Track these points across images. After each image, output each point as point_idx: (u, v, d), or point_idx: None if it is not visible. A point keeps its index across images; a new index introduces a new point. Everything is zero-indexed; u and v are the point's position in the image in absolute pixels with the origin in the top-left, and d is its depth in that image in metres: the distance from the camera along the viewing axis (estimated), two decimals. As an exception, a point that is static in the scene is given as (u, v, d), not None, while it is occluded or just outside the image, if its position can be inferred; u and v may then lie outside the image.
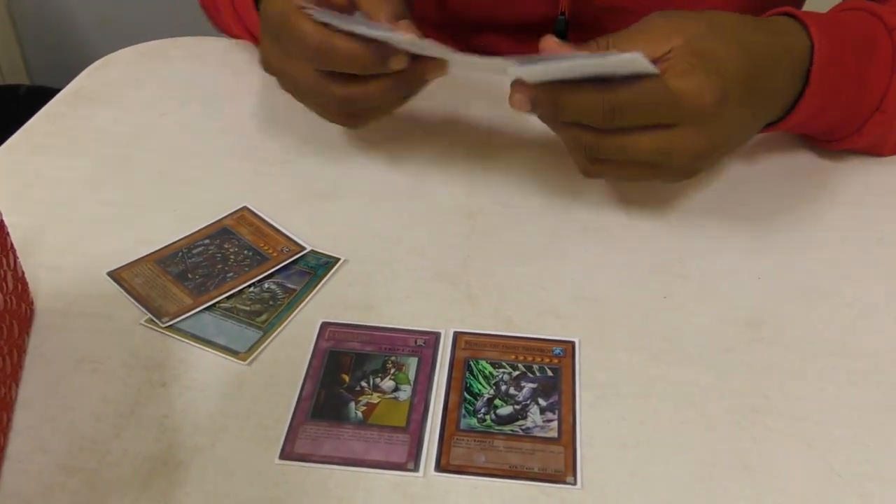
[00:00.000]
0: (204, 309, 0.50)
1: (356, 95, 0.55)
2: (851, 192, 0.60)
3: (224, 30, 0.78)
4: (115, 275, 0.52)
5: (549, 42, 0.50)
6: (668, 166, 0.52)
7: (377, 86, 0.54)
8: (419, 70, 0.54)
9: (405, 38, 0.51)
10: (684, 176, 0.54)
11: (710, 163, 0.54)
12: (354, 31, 0.52)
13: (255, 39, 0.74)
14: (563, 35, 0.74)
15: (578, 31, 0.73)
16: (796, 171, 0.62)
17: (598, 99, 0.48)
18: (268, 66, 0.59)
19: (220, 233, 0.56)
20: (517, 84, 0.51)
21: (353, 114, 0.58)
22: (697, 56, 0.49)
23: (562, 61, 0.48)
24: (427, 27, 0.81)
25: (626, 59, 0.46)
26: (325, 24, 0.53)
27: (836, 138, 0.61)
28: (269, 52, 0.58)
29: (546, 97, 0.50)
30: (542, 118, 0.53)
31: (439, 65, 0.55)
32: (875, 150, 0.62)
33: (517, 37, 0.76)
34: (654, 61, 0.48)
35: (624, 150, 0.50)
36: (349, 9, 0.55)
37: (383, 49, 0.52)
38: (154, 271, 0.53)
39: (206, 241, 0.55)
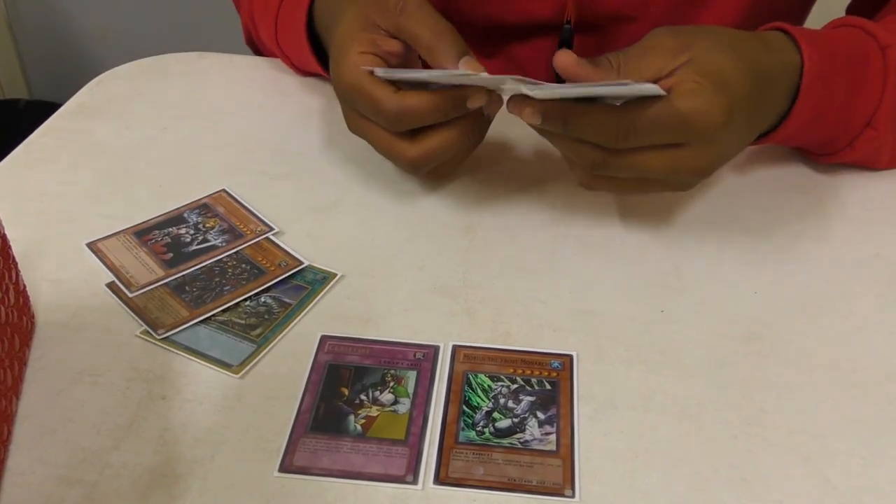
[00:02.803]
0: (200, 322, 0.50)
1: (422, 155, 0.55)
2: (848, 206, 0.60)
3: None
4: (112, 285, 0.53)
5: (565, 57, 0.50)
6: (671, 182, 0.53)
7: (439, 137, 0.54)
8: (476, 110, 0.54)
9: (480, 75, 0.51)
10: (683, 189, 0.55)
11: (707, 177, 0.54)
12: (423, 80, 0.52)
13: (295, 68, 0.74)
14: (568, 43, 0.75)
15: (583, 36, 0.74)
16: (793, 185, 0.62)
17: (612, 120, 0.48)
18: (351, 128, 0.59)
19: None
20: (528, 97, 0.51)
21: (431, 170, 0.58)
22: (706, 75, 0.49)
23: (580, 87, 0.48)
24: None
25: (645, 88, 0.47)
26: (393, 82, 0.53)
27: (829, 152, 0.61)
28: (348, 116, 0.58)
29: (557, 113, 0.50)
30: (545, 132, 0.53)
31: (494, 101, 0.54)
32: (870, 164, 0.63)
33: (522, 40, 0.76)
34: (664, 77, 0.49)
35: (631, 169, 0.51)
36: (406, 54, 0.55)
37: (455, 92, 0.52)
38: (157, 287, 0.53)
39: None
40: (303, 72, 0.74)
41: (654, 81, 0.49)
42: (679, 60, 0.50)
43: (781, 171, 0.64)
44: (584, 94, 0.49)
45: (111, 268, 0.54)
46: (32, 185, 0.62)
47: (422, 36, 0.54)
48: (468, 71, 0.52)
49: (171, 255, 0.55)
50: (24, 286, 0.49)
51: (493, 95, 0.54)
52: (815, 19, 0.79)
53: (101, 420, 0.45)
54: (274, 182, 0.62)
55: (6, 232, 0.47)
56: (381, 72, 0.53)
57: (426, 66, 0.57)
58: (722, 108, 0.49)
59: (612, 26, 0.73)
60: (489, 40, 0.77)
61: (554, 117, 0.50)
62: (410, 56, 0.57)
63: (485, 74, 0.51)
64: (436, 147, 0.55)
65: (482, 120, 0.56)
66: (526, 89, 0.49)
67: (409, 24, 0.54)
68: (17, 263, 0.48)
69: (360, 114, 0.56)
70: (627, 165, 0.50)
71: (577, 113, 0.49)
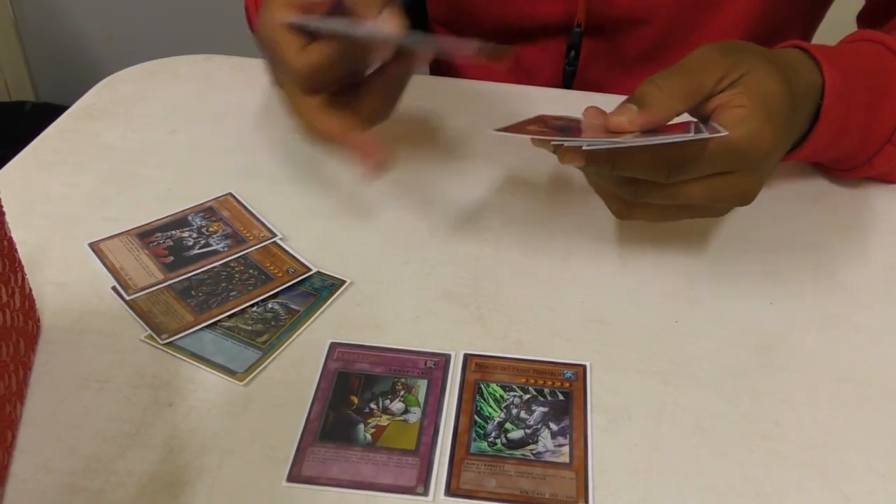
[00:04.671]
0: (205, 327, 0.50)
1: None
2: (864, 219, 0.60)
3: None
4: (117, 289, 0.52)
5: (620, 119, 0.46)
6: (711, 209, 0.51)
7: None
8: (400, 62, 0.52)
9: (387, 30, 0.48)
10: (719, 215, 0.52)
11: (747, 204, 0.51)
12: (337, 31, 0.50)
13: None
14: (577, 47, 0.74)
15: (592, 39, 0.73)
16: (808, 196, 0.62)
17: (662, 157, 0.46)
18: (273, 84, 0.57)
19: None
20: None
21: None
22: (754, 99, 0.47)
23: (642, 140, 0.45)
24: (439, 29, 0.82)
25: (708, 136, 0.44)
26: (305, 29, 0.51)
27: (848, 168, 0.61)
28: (271, 70, 0.56)
29: (604, 158, 0.45)
30: (588, 172, 0.50)
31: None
32: (888, 179, 0.62)
33: (529, 41, 0.76)
34: (712, 96, 0.47)
35: (674, 198, 0.48)
36: (334, 6, 0.52)
37: (362, 44, 0.50)
38: (161, 289, 0.52)
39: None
40: None
41: (705, 99, 0.47)
42: (731, 78, 0.47)
43: (798, 182, 0.63)
44: (639, 145, 0.45)
45: (111, 269, 0.53)
46: (38, 187, 0.61)
47: None
48: (388, 27, 0.49)
49: (171, 258, 0.54)
50: (30, 290, 0.49)
51: (405, 54, 0.51)
52: (825, 25, 0.79)
53: (107, 427, 0.44)
54: (282, 187, 0.62)
55: (12, 235, 0.46)
56: (296, 19, 0.51)
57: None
58: (771, 137, 0.47)
59: (621, 29, 0.72)
60: (496, 41, 0.77)
61: (600, 161, 0.46)
62: (340, 10, 0.53)
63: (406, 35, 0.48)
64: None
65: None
66: (584, 147, 0.45)
67: None
68: (23, 267, 0.48)
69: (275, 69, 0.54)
70: (671, 195, 0.48)
71: (625, 154, 0.45)
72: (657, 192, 0.48)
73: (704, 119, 0.48)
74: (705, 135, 0.44)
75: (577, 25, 0.72)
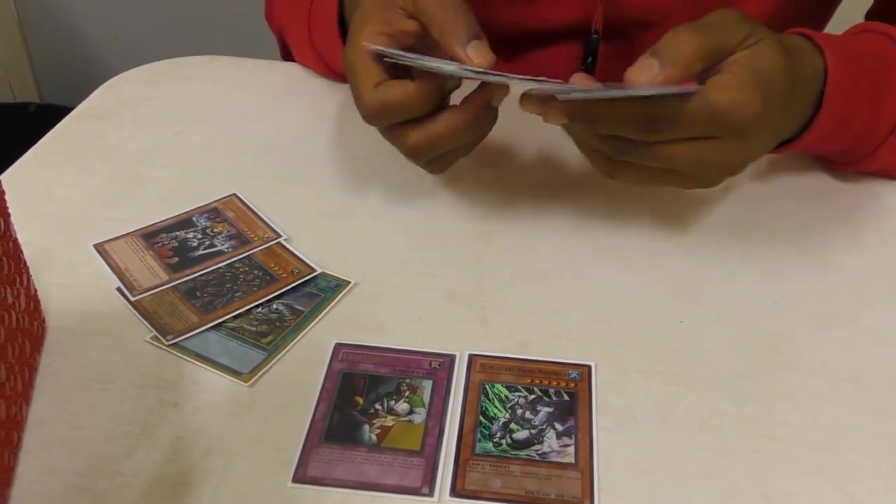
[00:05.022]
0: (210, 328, 0.50)
1: (425, 141, 0.53)
2: (869, 216, 0.60)
3: (303, 64, 0.77)
4: (122, 290, 0.52)
5: (581, 79, 0.48)
6: (696, 176, 0.51)
7: (445, 123, 0.52)
8: (482, 96, 0.52)
9: (468, 67, 0.49)
10: (706, 186, 0.53)
11: (733, 175, 0.53)
12: (418, 65, 0.50)
13: (336, 76, 0.73)
14: (594, 51, 0.74)
15: (607, 42, 0.73)
16: (812, 195, 0.62)
17: (643, 114, 0.46)
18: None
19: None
20: (552, 99, 0.48)
21: (432, 159, 0.55)
22: (748, 69, 0.47)
23: (617, 91, 0.46)
24: None
25: (685, 88, 0.45)
26: (388, 61, 0.52)
27: (850, 160, 0.61)
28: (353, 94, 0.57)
29: (584, 113, 0.47)
30: (569, 129, 0.51)
31: (500, 88, 0.52)
32: (892, 174, 0.62)
33: (545, 45, 0.76)
34: (724, 56, 0.48)
35: (657, 158, 0.49)
36: (423, 35, 0.53)
37: (437, 82, 0.51)
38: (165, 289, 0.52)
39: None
40: (337, 72, 0.72)
41: (714, 61, 0.48)
42: (748, 42, 0.48)
43: (801, 179, 0.63)
44: (619, 96, 0.47)
45: (116, 270, 0.53)
46: (44, 188, 0.61)
47: (434, 13, 0.51)
48: (475, 58, 0.49)
49: (176, 259, 0.54)
50: (36, 291, 0.49)
51: (498, 86, 0.51)
52: (832, 26, 0.79)
53: (113, 427, 0.44)
54: (286, 187, 0.62)
55: (17, 236, 0.47)
56: (378, 49, 0.52)
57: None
58: (757, 106, 0.47)
59: (634, 32, 0.72)
60: (512, 45, 0.77)
61: (581, 117, 0.48)
62: (429, 39, 0.54)
63: (491, 73, 0.49)
64: (439, 134, 0.52)
65: (489, 110, 0.54)
66: (542, 88, 0.47)
67: (424, 2, 0.52)
68: (28, 268, 0.48)
69: None
70: (654, 155, 0.49)
71: (605, 109, 0.47)
72: (640, 151, 0.49)
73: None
74: (678, 88, 0.45)
75: (594, 32, 0.72)
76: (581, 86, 0.48)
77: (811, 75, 0.53)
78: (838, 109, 0.54)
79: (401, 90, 0.51)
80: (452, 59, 0.50)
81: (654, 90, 0.46)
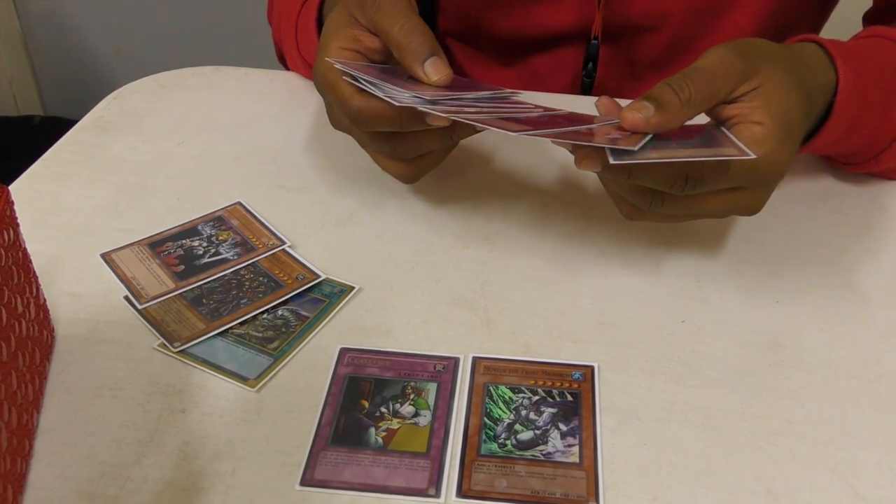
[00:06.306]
0: (216, 334, 0.50)
1: (402, 146, 0.54)
2: (871, 216, 0.60)
3: (295, 72, 0.78)
4: (129, 298, 0.53)
5: (633, 114, 0.45)
6: (719, 216, 0.51)
7: (421, 136, 0.53)
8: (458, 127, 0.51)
9: (419, 94, 0.48)
10: (721, 217, 0.53)
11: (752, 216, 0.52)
12: (375, 92, 0.50)
13: None
14: (594, 58, 0.74)
15: (605, 46, 0.74)
16: (814, 194, 0.62)
17: (679, 170, 0.45)
18: (333, 124, 0.58)
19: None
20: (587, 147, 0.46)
21: (406, 162, 0.56)
22: (773, 116, 0.46)
23: (663, 155, 0.44)
24: (452, 44, 0.82)
25: (733, 154, 0.44)
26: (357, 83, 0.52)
27: (855, 162, 0.61)
28: (328, 111, 0.58)
29: (622, 167, 0.44)
30: (603, 176, 0.49)
31: (464, 126, 0.51)
32: (891, 177, 0.62)
33: (543, 51, 0.76)
34: (730, 102, 0.47)
35: (686, 209, 0.48)
36: (388, 53, 0.54)
37: (416, 112, 0.50)
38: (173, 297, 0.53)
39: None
40: None
41: (721, 103, 0.47)
42: (748, 86, 0.47)
43: (803, 179, 0.63)
44: (675, 160, 0.44)
45: (123, 279, 0.54)
46: (51, 199, 0.62)
47: (392, 33, 0.51)
48: (433, 74, 0.49)
49: (182, 267, 0.55)
50: (45, 300, 0.49)
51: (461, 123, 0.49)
52: (829, 25, 0.79)
53: (122, 434, 0.45)
54: (290, 195, 0.62)
55: (27, 246, 0.47)
56: (342, 67, 0.52)
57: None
58: (787, 156, 0.47)
59: (633, 37, 0.73)
60: (510, 52, 0.77)
61: (618, 170, 0.45)
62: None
63: (445, 102, 0.48)
64: (404, 144, 0.53)
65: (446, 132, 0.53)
66: (542, 133, 0.44)
67: (382, 21, 0.52)
68: (37, 278, 0.48)
69: (335, 111, 0.56)
70: (683, 206, 0.48)
71: (644, 165, 0.45)
72: (671, 204, 0.48)
73: (720, 122, 0.48)
74: (732, 156, 0.44)
75: (593, 37, 0.72)
76: (622, 134, 0.45)
77: (824, 88, 0.53)
78: (847, 117, 0.54)
79: (384, 104, 0.50)
80: (412, 76, 0.51)
81: (711, 156, 0.44)
